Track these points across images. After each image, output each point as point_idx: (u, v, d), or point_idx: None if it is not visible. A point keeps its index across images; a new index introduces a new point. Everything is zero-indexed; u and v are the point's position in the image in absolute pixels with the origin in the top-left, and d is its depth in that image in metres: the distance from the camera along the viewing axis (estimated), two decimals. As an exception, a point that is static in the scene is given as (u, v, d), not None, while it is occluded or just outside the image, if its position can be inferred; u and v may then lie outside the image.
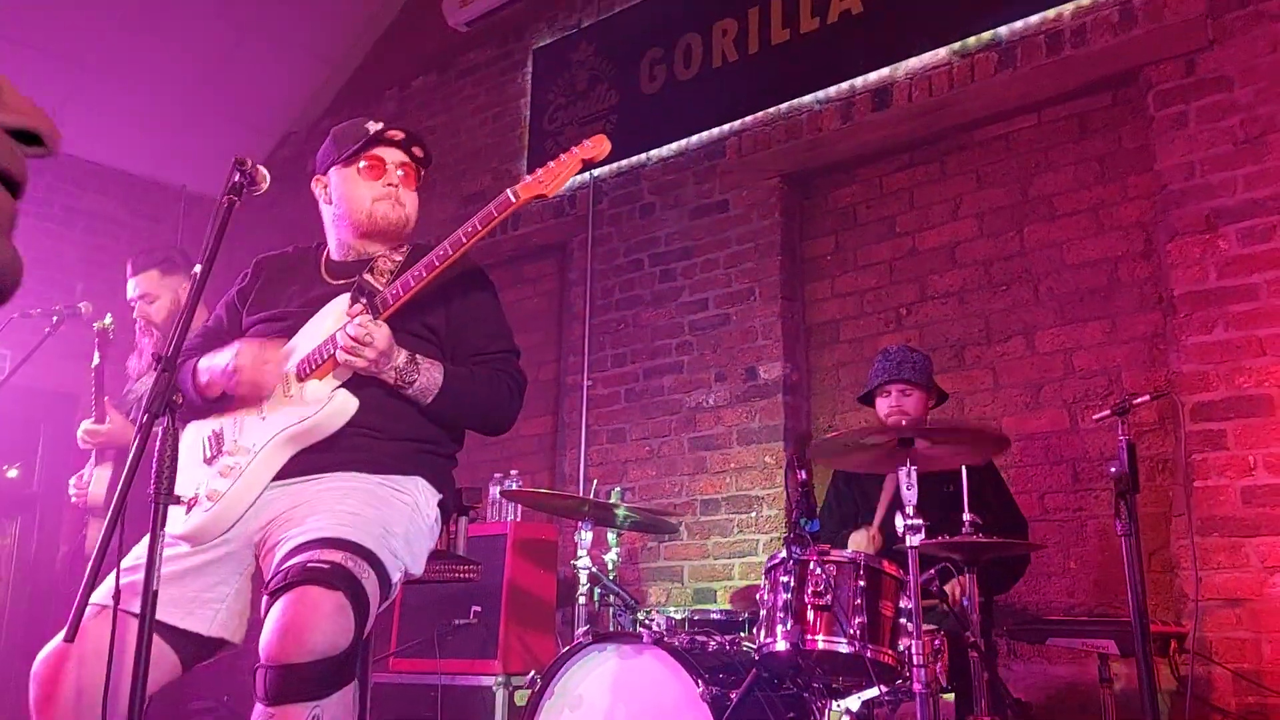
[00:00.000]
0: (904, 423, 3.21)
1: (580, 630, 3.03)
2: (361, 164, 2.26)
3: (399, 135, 2.29)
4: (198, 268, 1.80)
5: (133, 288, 3.67)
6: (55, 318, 3.81)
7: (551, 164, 2.13)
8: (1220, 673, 3.13)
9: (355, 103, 6.47)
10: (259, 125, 6.53)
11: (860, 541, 3.22)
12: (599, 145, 2.13)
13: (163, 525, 1.69)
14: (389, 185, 2.26)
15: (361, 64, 6.58)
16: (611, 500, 3.41)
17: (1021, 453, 3.77)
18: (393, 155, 2.28)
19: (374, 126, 2.28)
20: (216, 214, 1.88)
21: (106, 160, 6.39)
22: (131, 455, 1.64)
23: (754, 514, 4.32)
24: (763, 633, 2.68)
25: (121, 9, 5.68)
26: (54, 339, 4.12)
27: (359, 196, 2.26)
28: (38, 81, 5.80)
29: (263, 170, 1.98)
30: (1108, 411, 2.57)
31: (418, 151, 2.32)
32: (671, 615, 3.11)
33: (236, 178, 1.93)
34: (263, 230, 5.18)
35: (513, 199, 2.09)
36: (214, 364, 2.12)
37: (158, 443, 1.70)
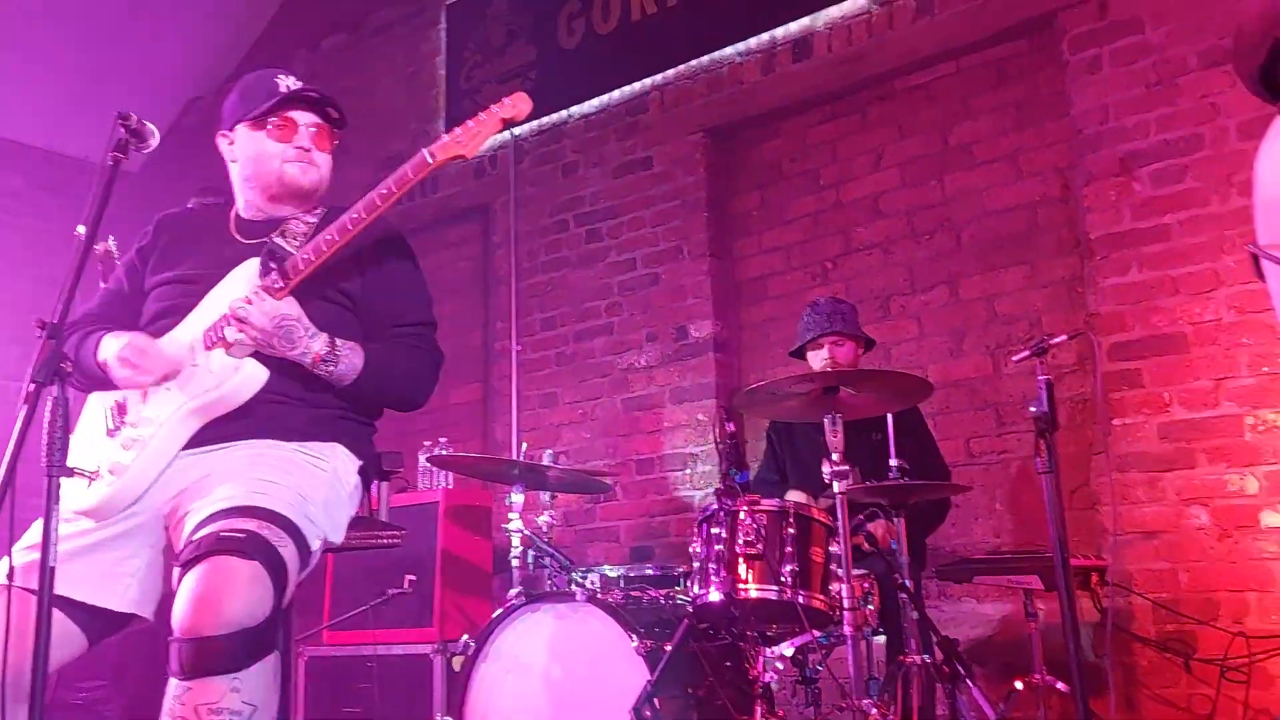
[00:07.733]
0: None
1: (513, 592, 3.00)
2: (271, 124, 2.15)
3: (314, 95, 2.18)
4: (80, 229, 1.69)
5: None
6: None
7: (470, 123, 2.04)
8: (1140, 603, 3.22)
9: (264, 65, 6.22)
10: (162, 92, 6.28)
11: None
12: (519, 104, 2.06)
13: (57, 499, 1.61)
14: (300, 148, 2.15)
15: (269, 23, 6.34)
16: (542, 462, 3.37)
17: (947, 399, 3.82)
18: (305, 116, 2.17)
19: (286, 83, 2.15)
20: (101, 173, 1.78)
21: (3, 134, 6.13)
22: (18, 426, 1.55)
23: (689, 471, 4.32)
24: (696, 585, 2.68)
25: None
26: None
27: (268, 157, 2.15)
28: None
29: (150, 126, 1.87)
30: (1026, 353, 2.59)
31: (333, 112, 2.20)
32: (606, 573, 3.09)
33: (121, 134, 1.82)
34: (170, 201, 4.97)
35: (429, 160, 2.01)
36: (108, 350, 2.01)
37: (46, 413, 1.61)
